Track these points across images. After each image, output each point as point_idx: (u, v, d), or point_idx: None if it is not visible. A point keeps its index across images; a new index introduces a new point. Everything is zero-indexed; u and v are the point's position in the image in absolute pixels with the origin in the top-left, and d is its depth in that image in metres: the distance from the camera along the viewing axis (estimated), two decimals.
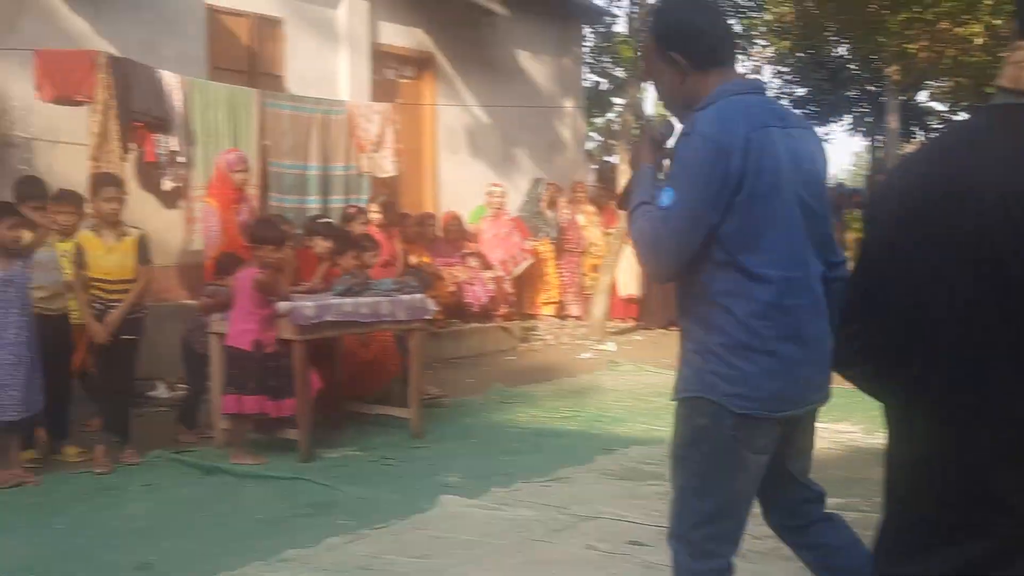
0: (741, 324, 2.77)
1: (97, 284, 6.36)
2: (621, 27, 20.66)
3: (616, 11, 20.45)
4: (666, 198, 2.78)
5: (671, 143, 2.99)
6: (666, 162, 3.02)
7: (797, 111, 23.74)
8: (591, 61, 20.46)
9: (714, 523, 2.90)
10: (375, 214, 9.76)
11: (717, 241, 2.75)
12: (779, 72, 23.92)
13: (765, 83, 3.07)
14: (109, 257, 6.37)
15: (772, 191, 2.76)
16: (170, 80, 8.92)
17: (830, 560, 3.09)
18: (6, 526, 5.18)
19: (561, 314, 13.28)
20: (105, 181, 6.62)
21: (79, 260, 6.36)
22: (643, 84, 13.72)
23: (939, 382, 1.64)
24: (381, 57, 12.02)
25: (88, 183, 7.74)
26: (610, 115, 25.19)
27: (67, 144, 8.72)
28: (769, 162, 2.76)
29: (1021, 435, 1.55)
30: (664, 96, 3.05)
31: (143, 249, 6.52)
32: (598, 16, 18.18)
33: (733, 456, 2.84)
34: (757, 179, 2.73)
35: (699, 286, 2.83)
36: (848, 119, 23.95)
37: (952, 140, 1.78)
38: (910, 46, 14.83)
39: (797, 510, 3.12)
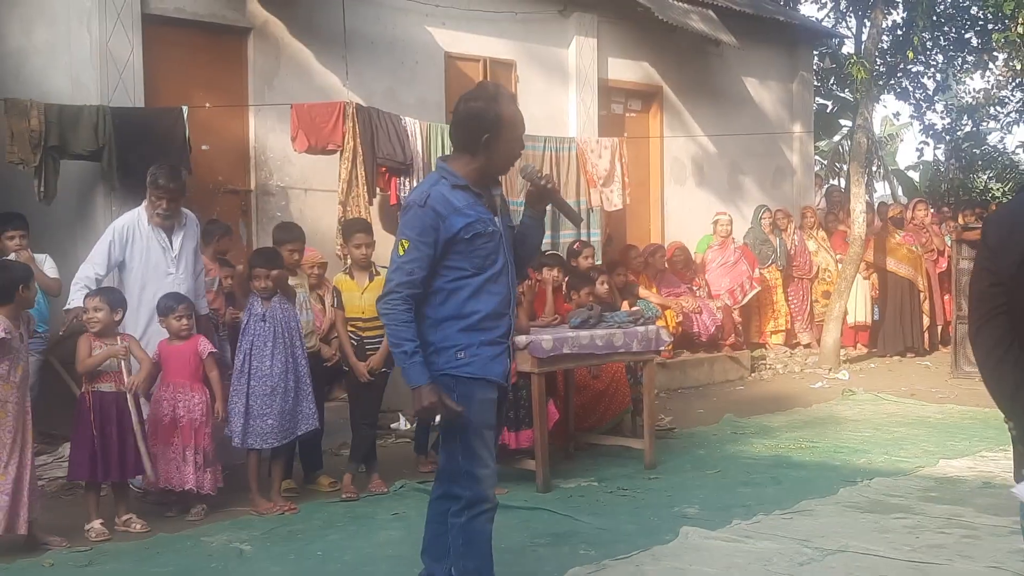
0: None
1: (352, 322, 6.79)
2: (849, 48, 20.18)
3: (844, 32, 19.90)
4: None
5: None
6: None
7: None
8: (816, 84, 20.05)
9: None
10: None
11: None
12: (1022, 84, 22.75)
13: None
14: (364, 297, 6.78)
15: None
16: (411, 125, 9.40)
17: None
18: (273, 553, 5.54)
19: (790, 342, 13.06)
20: (355, 227, 7.05)
21: (337, 301, 6.81)
22: (873, 104, 13.41)
23: None
24: (608, 92, 12.22)
25: (339, 229, 8.31)
26: (836, 137, 24.58)
27: (318, 191, 9.33)
28: None
29: None
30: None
31: None
32: (826, 38, 17.84)
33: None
34: None
35: None
36: None
37: None
38: None
39: None
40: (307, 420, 6.50)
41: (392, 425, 8.72)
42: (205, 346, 6.38)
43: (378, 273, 6.86)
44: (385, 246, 8.52)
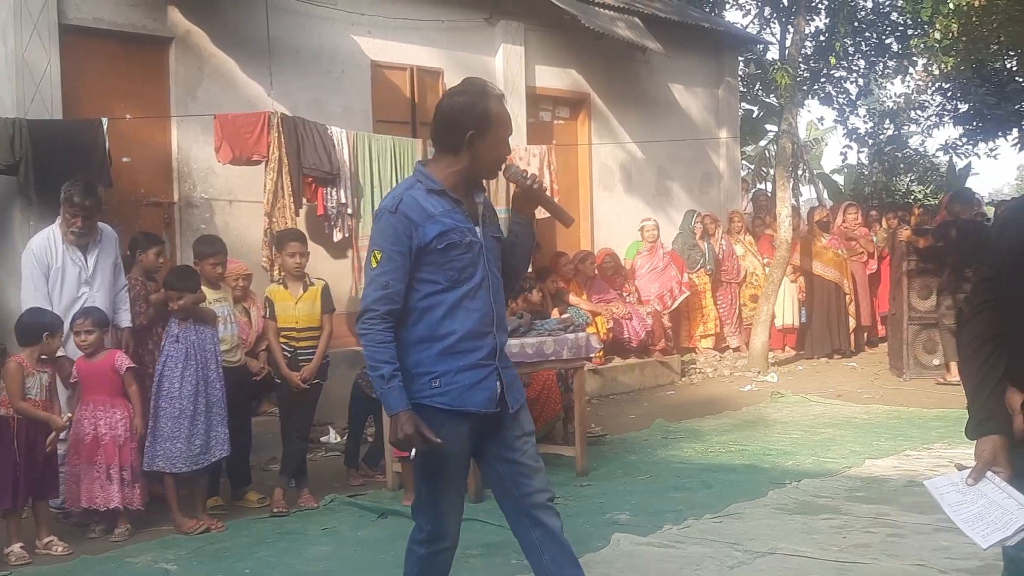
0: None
1: (286, 332, 6.72)
2: (773, 54, 20.44)
3: (768, 38, 20.17)
4: None
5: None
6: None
7: (961, 128, 22.99)
8: (742, 90, 20.31)
9: None
10: None
11: None
12: (941, 88, 23.26)
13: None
14: (298, 307, 6.73)
15: None
16: (338, 135, 9.32)
17: None
18: (200, 572, 5.44)
19: (720, 346, 13.19)
20: (289, 237, 6.98)
21: (270, 311, 6.73)
22: (798, 109, 13.61)
23: None
24: (536, 100, 12.25)
25: (267, 240, 8.23)
26: (762, 142, 24.93)
27: (243, 202, 9.21)
28: None
29: None
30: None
31: (326, 298, 6.86)
32: (750, 44, 18.07)
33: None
34: None
35: None
36: (1015, 133, 23.06)
37: None
38: None
39: None
40: (219, 447, 6.34)
41: (322, 438, 8.63)
42: (122, 361, 6.26)
43: (312, 283, 6.83)
44: (314, 257, 8.54)
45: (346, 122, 9.78)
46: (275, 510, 6.55)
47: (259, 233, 8.77)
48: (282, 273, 7.13)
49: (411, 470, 6.70)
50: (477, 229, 3.71)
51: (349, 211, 9.39)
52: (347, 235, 9.49)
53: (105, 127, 7.96)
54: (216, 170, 9.06)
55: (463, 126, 3.65)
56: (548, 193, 3.99)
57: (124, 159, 8.52)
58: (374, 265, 3.60)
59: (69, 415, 5.97)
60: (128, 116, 8.61)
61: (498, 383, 3.72)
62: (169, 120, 8.99)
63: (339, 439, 8.47)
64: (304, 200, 9.14)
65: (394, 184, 9.66)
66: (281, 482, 6.76)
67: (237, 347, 6.88)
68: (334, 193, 9.30)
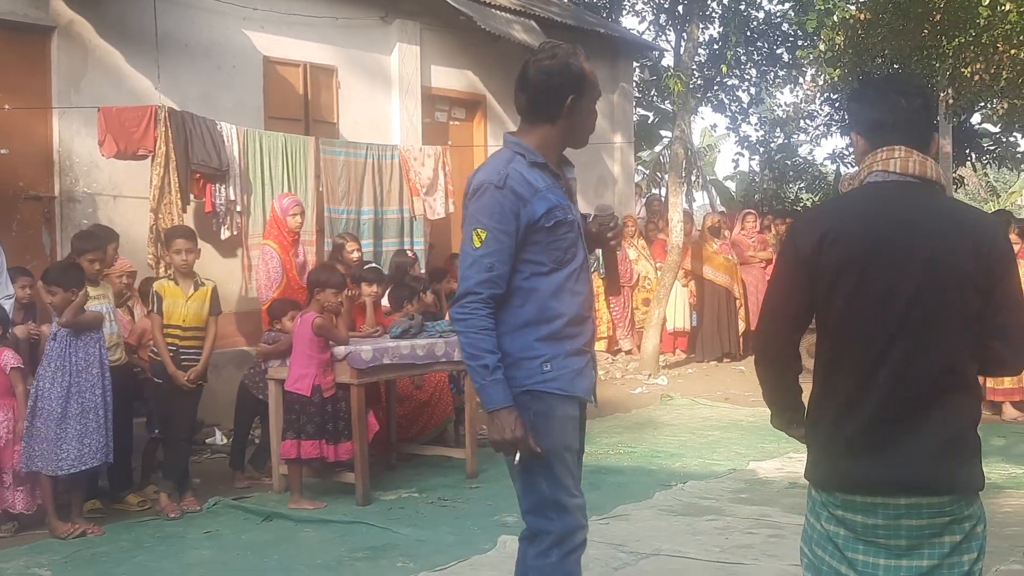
0: None
1: (171, 330, 6.54)
2: (668, 60, 20.74)
3: (664, 45, 20.47)
4: None
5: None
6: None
7: (847, 138, 23.60)
8: (637, 95, 20.56)
9: None
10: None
11: None
12: (829, 99, 23.88)
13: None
14: (188, 305, 6.57)
15: None
16: (228, 131, 9.14)
17: None
18: None
19: (612, 349, 13.30)
20: (177, 234, 6.81)
21: (157, 306, 6.54)
22: (691, 116, 13.83)
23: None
24: (432, 100, 12.20)
25: (152, 237, 8.03)
26: (657, 148, 25.28)
27: (128, 198, 8.96)
28: None
29: None
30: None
31: (215, 300, 6.71)
32: (646, 51, 18.29)
33: None
34: None
35: None
36: None
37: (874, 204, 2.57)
38: (965, 69, 14.81)
39: None
40: (92, 455, 6.06)
41: (208, 440, 8.45)
42: (7, 359, 6.04)
43: (203, 284, 6.68)
44: (202, 255, 8.37)
45: (237, 118, 9.59)
46: (171, 515, 6.38)
47: (144, 230, 8.53)
48: (169, 270, 6.96)
49: (297, 472, 6.66)
50: (574, 207, 3.50)
51: (238, 208, 9.22)
52: (236, 233, 9.31)
53: None
54: (100, 164, 8.81)
55: (563, 90, 3.36)
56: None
57: (2, 151, 8.25)
58: (477, 245, 3.28)
59: None
60: (7, 107, 8.34)
61: (594, 374, 3.51)
62: (51, 112, 8.71)
63: (225, 440, 8.31)
64: (192, 197, 8.93)
65: (286, 181, 9.54)
66: (166, 486, 6.58)
67: (118, 346, 6.67)
68: (223, 190, 9.11)
